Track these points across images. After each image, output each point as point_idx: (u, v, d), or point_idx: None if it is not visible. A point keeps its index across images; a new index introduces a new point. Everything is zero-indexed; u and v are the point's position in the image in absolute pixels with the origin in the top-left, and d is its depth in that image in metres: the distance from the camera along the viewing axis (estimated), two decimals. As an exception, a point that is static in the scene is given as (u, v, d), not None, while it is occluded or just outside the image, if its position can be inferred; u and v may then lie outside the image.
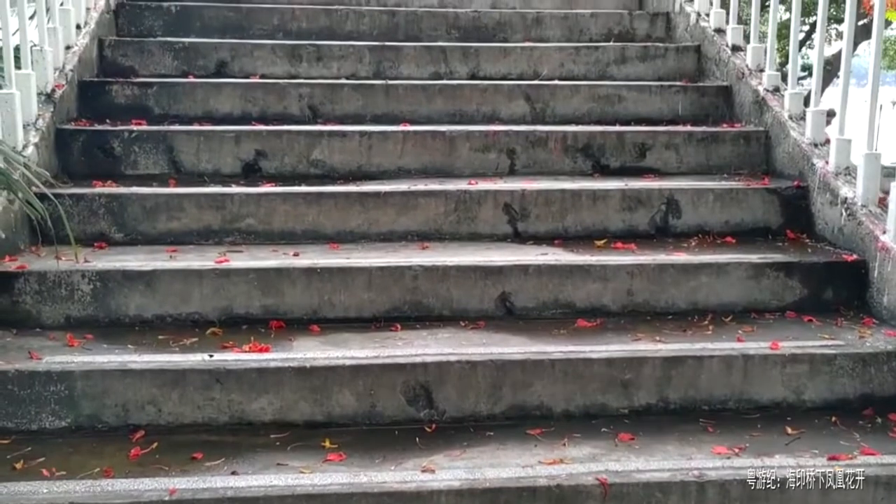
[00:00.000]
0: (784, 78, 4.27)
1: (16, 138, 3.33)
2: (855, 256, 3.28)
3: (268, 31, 4.85)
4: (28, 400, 2.56)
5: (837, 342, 2.91)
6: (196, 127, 3.95)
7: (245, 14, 4.87)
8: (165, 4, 4.83)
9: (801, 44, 14.34)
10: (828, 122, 3.87)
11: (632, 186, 3.67)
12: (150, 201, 3.42)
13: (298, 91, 4.23)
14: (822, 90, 3.84)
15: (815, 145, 3.74)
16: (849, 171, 3.52)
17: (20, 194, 2.83)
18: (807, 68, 14.35)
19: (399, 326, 3.03)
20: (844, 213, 3.40)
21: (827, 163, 3.60)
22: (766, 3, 4.61)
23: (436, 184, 3.70)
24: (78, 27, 4.19)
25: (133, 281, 2.99)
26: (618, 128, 4.18)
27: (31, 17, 4.24)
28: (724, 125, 4.30)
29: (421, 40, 4.89)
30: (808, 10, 12.86)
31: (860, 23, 10.69)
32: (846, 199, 3.40)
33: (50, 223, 2.94)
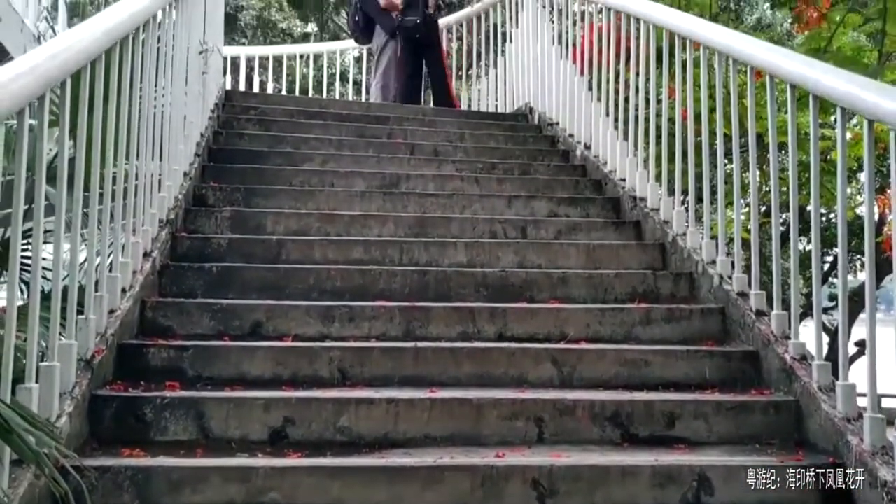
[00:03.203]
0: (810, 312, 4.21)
1: (51, 409, 3.39)
2: (902, 547, 3.14)
3: (303, 290, 5.02)
4: None
5: None
6: (227, 393, 4.01)
7: (283, 274, 5.09)
8: (207, 265, 5.07)
9: (825, 276, 14.53)
10: (860, 353, 3.82)
11: (661, 462, 3.60)
12: (176, 474, 3.41)
13: (329, 354, 4.32)
14: (849, 333, 3.81)
15: (848, 420, 3.69)
16: (885, 451, 3.44)
17: (47, 471, 2.85)
18: (833, 298, 14.43)
19: None
20: (886, 498, 3.29)
21: (862, 440, 3.53)
22: (788, 235, 4.65)
23: (462, 455, 3.66)
24: (123, 290, 4.38)
25: (150, 566, 2.92)
26: (646, 395, 4.17)
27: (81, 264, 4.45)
28: (753, 392, 4.27)
29: (450, 298, 5.04)
30: (830, 242, 13.11)
31: (884, 256, 10.81)
32: (886, 482, 3.30)
33: (72, 498, 2.93)
